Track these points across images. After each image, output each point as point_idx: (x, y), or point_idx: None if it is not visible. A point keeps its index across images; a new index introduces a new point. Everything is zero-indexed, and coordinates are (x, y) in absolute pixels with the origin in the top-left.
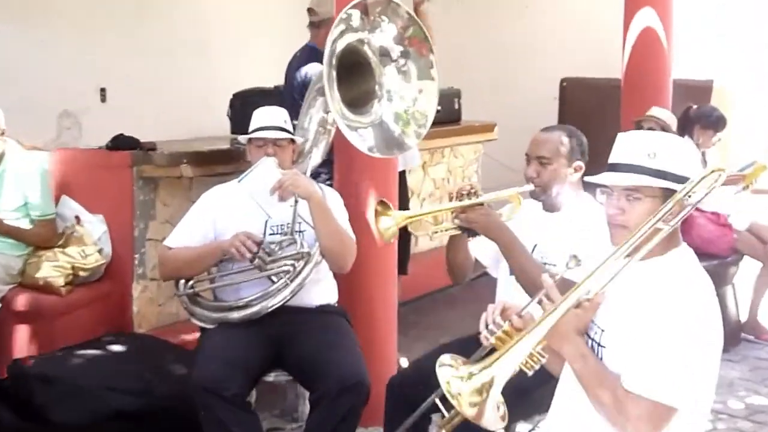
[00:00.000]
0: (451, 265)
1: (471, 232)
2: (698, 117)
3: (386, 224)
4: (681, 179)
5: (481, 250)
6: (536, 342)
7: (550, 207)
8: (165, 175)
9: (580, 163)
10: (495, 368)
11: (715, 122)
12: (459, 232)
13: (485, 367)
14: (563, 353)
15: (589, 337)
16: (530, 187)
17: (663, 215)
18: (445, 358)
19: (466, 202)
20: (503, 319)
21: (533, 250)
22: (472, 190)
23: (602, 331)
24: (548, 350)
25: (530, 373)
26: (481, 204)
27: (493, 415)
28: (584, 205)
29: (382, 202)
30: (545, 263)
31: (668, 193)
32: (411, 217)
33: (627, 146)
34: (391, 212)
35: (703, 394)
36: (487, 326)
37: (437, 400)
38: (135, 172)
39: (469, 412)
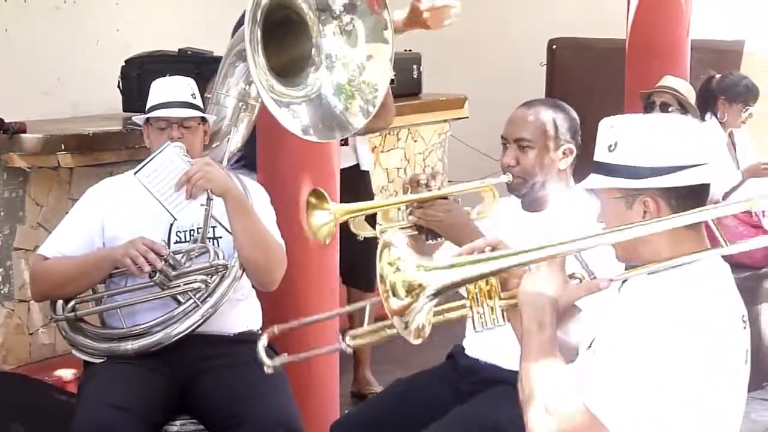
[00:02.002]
0: None
1: (430, 234)
2: (723, 88)
3: (321, 220)
4: (641, 172)
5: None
6: (514, 265)
7: (531, 205)
8: (37, 164)
9: (571, 146)
10: (440, 274)
11: (744, 94)
12: (414, 232)
13: (434, 267)
14: (523, 312)
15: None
16: (507, 177)
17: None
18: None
19: (425, 194)
20: None
21: None
22: (432, 179)
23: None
24: (512, 314)
25: (479, 327)
26: (445, 197)
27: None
28: (576, 202)
29: (315, 192)
30: None
31: (633, 193)
32: (354, 212)
33: (597, 139)
34: (327, 205)
35: None
36: None
37: None
38: None
39: (396, 305)
